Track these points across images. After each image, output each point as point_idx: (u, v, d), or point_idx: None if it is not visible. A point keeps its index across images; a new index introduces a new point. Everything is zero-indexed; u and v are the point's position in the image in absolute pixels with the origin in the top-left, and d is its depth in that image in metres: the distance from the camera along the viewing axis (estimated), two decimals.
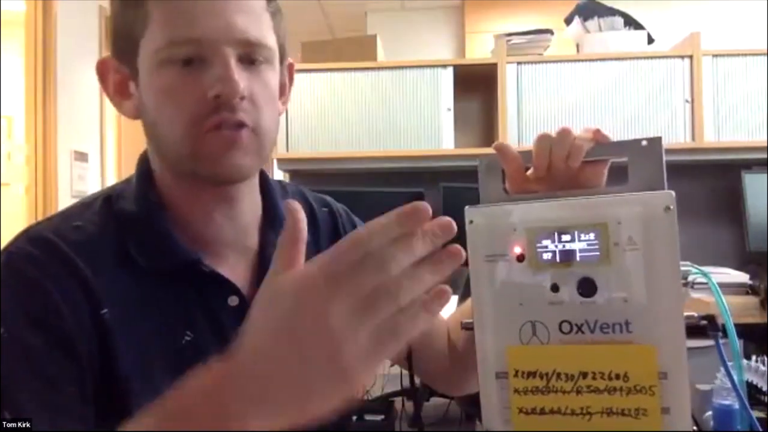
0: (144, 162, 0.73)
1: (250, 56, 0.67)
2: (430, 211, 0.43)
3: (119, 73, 0.71)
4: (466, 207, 0.60)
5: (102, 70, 0.72)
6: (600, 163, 0.66)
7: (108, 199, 0.71)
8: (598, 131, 0.64)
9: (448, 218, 0.45)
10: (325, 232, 0.83)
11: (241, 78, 0.65)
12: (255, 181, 0.76)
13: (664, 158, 0.59)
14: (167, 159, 0.70)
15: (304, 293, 0.42)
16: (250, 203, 0.75)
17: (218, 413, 0.43)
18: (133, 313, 0.65)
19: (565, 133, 0.64)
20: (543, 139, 0.65)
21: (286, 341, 0.42)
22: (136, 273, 0.66)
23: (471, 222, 0.60)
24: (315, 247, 0.80)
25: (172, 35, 0.65)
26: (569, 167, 0.64)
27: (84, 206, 0.71)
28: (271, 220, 0.76)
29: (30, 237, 0.65)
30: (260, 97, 0.68)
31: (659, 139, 0.59)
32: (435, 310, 0.43)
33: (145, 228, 0.68)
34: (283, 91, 0.77)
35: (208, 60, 0.65)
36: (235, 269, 0.72)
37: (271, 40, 0.69)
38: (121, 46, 0.69)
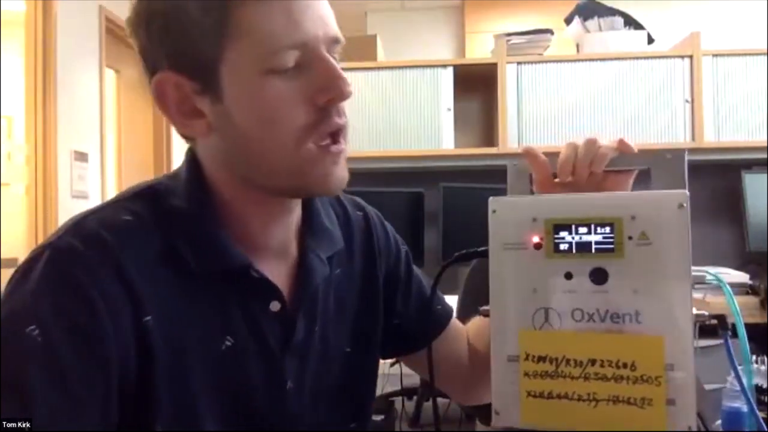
0: (194, 162, 0.69)
1: (332, 53, 0.65)
2: None
3: (180, 90, 0.64)
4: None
5: (160, 89, 0.64)
6: (624, 173, 0.68)
7: (157, 192, 0.68)
8: (622, 141, 0.66)
9: None
10: (359, 236, 0.82)
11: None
12: None
13: (687, 171, 0.62)
14: (260, 175, 0.66)
15: None
16: (297, 211, 0.73)
17: None
18: (176, 316, 0.63)
19: (591, 141, 0.66)
20: (570, 146, 0.67)
21: None
22: (181, 273, 0.64)
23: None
24: (349, 249, 0.80)
25: (277, 42, 0.60)
26: (593, 174, 0.66)
27: (132, 198, 0.68)
28: (311, 226, 0.75)
29: (79, 231, 0.62)
30: None
31: (683, 151, 0.63)
32: None
33: (197, 228, 0.66)
34: None
35: (307, 63, 0.62)
36: (277, 275, 0.70)
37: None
38: (193, 58, 0.62)
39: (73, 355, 0.57)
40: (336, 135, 0.65)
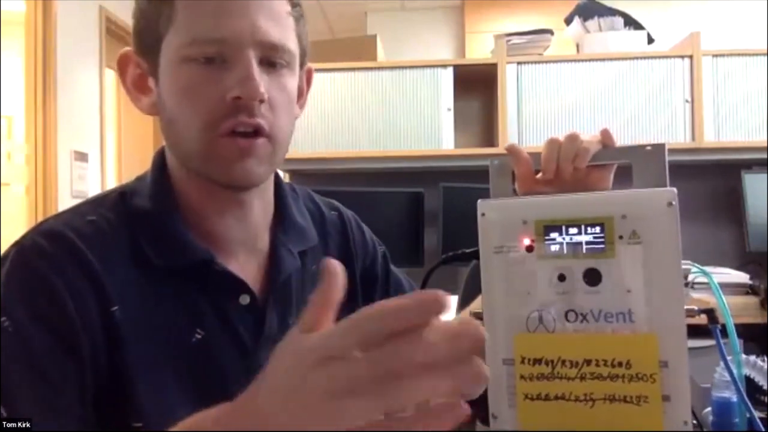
0: (160, 158, 0.73)
1: (271, 59, 0.67)
2: (448, 305, 0.37)
3: (139, 67, 0.71)
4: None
5: (122, 62, 0.72)
6: (606, 167, 0.69)
7: (123, 195, 0.71)
8: (605, 131, 0.67)
9: (477, 327, 0.37)
10: (334, 234, 0.84)
11: (261, 81, 0.65)
12: (267, 185, 0.76)
13: (667, 163, 0.62)
14: (181, 157, 0.70)
15: (307, 364, 0.39)
16: (261, 206, 0.75)
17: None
18: (144, 310, 0.65)
19: (573, 137, 0.67)
20: (552, 143, 0.68)
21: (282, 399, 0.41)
22: (148, 270, 0.66)
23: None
24: (324, 246, 0.81)
25: (196, 33, 0.65)
26: (576, 170, 0.67)
27: (98, 202, 0.71)
28: (283, 222, 0.77)
29: (42, 230, 0.65)
30: (278, 102, 0.68)
31: (663, 145, 0.62)
32: (441, 424, 0.36)
33: (158, 225, 0.69)
34: (301, 94, 0.77)
35: (230, 60, 0.65)
36: (245, 268, 0.72)
37: (292, 44, 0.69)
38: (144, 41, 0.69)
39: (44, 342, 0.59)
40: (246, 133, 0.66)
